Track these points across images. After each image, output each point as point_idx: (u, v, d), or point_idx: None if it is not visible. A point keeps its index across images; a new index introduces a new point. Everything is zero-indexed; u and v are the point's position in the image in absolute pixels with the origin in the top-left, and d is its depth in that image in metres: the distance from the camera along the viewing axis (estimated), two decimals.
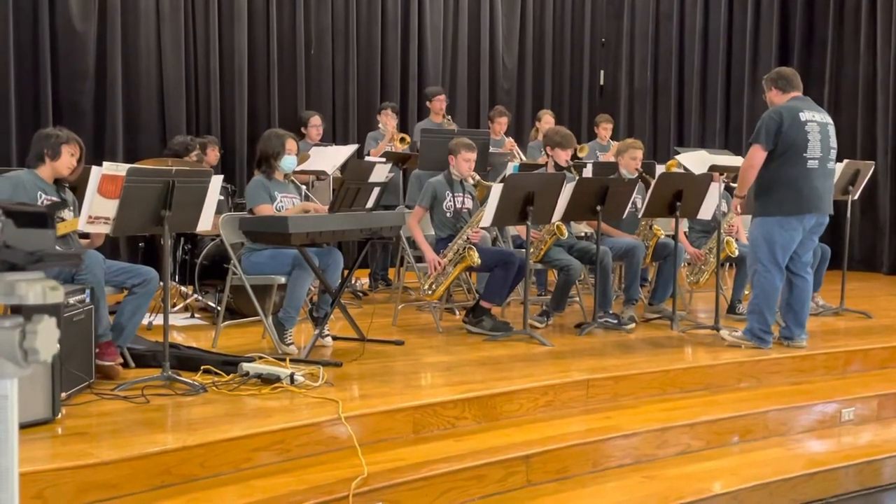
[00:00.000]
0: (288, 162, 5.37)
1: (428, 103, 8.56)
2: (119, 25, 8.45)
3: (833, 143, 5.48)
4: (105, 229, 4.17)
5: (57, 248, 1.55)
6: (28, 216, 1.39)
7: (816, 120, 5.37)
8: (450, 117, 8.63)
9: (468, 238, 5.77)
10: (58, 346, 1.38)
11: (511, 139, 8.44)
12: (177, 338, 5.45)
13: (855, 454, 4.67)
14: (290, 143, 5.41)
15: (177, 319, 6.08)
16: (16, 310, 1.46)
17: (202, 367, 4.51)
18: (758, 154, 5.34)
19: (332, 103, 9.82)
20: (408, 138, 8.16)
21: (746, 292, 6.56)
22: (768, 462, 4.46)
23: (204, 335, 5.59)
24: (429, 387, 4.69)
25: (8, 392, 1.41)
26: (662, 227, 6.48)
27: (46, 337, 1.36)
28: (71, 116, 8.12)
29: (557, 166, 6.22)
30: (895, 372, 5.69)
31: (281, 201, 5.31)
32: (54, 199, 4.47)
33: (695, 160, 6.52)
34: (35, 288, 1.34)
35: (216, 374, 4.46)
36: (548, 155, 6.34)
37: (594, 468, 4.20)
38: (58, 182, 4.53)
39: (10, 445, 1.39)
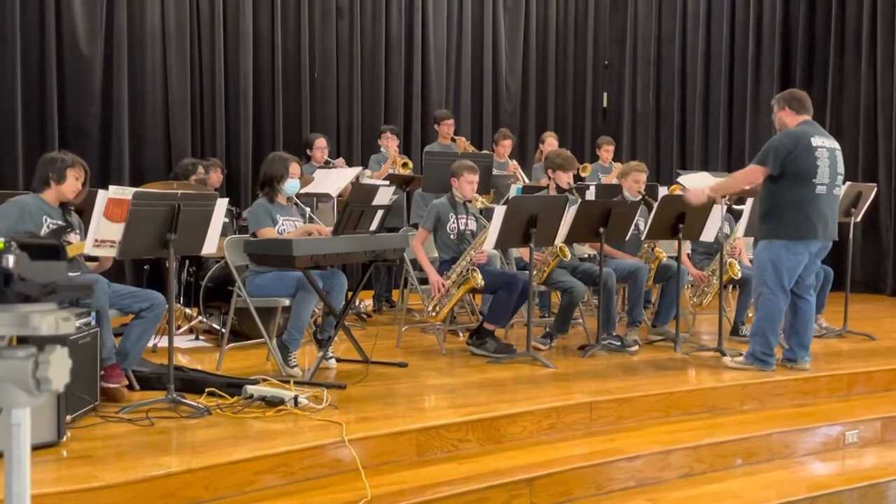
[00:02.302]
0: (291, 186, 5.41)
1: (436, 126, 8.61)
2: (125, 48, 8.53)
3: (840, 168, 5.49)
4: (111, 252, 4.20)
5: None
6: (42, 249, 1.42)
7: (826, 146, 5.39)
8: (463, 138, 8.68)
9: (472, 260, 5.79)
10: (69, 375, 1.40)
11: (515, 162, 8.48)
12: (181, 360, 5.45)
13: (859, 477, 4.66)
14: (294, 167, 5.45)
15: (181, 342, 6.09)
16: (22, 339, 1.49)
17: (206, 390, 4.53)
18: (757, 174, 5.38)
19: (336, 125, 9.88)
20: (410, 163, 8.20)
21: (750, 314, 6.57)
22: (772, 485, 4.45)
23: (208, 357, 5.60)
24: (432, 409, 4.70)
25: (21, 421, 1.43)
26: (665, 250, 6.50)
27: (59, 367, 1.38)
28: (77, 139, 8.18)
29: (559, 188, 6.25)
30: None
31: (283, 224, 5.34)
32: (60, 223, 4.50)
33: (697, 182, 6.53)
34: (48, 319, 1.36)
35: (220, 396, 4.47)
36: (549, 177, 6.38)
37: (598, 491, 4.20)
38: (63, 205, 4.56)
39: (24, 471, 1.41)
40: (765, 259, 5.45)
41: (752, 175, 5.44)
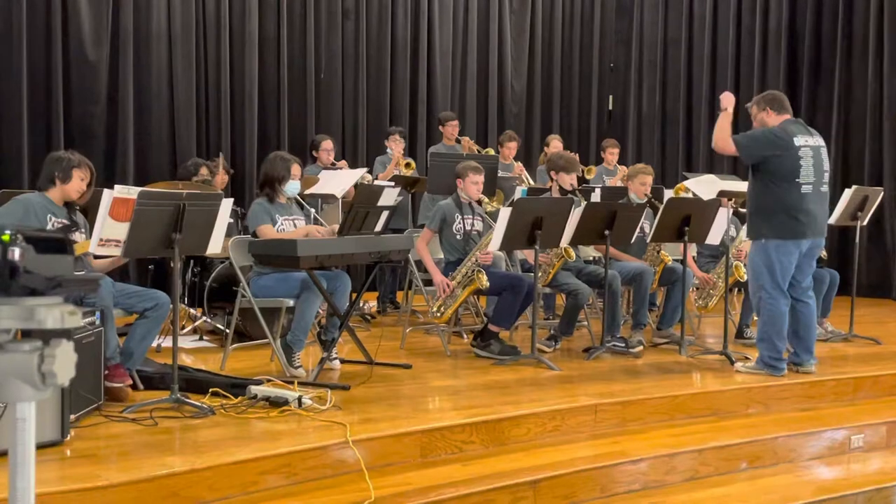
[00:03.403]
0: (292, 187, 5.41)
1: (441, 128, 8.62)
2: (131, 49, 8.54)
3: (826, 166, 5.45)
4: (116, 252, 4.20)
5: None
6: (48, 242, 1.42)
7: (810, 144, 5.36)
8: (467, 138, 8.67)
9: (477, 261, 5.78)
10: (75, 370, 1.40)
11: (520, 164, 8.48)
12: (185, 360, 5.46)
13: (864, 481, 4.64)
14: (296, 168, 5.45)
15: (185, 342, 6.09)
16: (26, 333, 1.48)
17: (210, 390, 4.52)
18: (730, 148, 5.36)
19: (341, 127, 9.88)
20: (413, 164, 8.20)
21: (755, 317, 6.55)
22: (777, 489, 4.44)
23: (212, 358, 5.60)
24: (436, 411, 4.69)
25: (26, 415, 1.42)
26: (670, 253, 6.48)
27: (64, 361, 1.38)
28: (82, 139, 8.19)
29: (562, 190, 6.24)
30: None
31: (282, 224, 5.34)
32: (65, 221, 4.50)
33: (703, 185, 6.53)
34: (54, 312, 1.35)
35: (224, 396, 4.46)
36: (552, 179, 6.37)
37: (602, 494, 4.18)
38: (68, 205, 4.55)
39: (28, 467, 1.41)
40: (758, 263, 5.43)
41: (725, 144, 5.37)
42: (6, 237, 1.36)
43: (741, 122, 10.75)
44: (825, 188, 5.47)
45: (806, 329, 5.57)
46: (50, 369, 1.37)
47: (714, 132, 5.52)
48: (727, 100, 5.59)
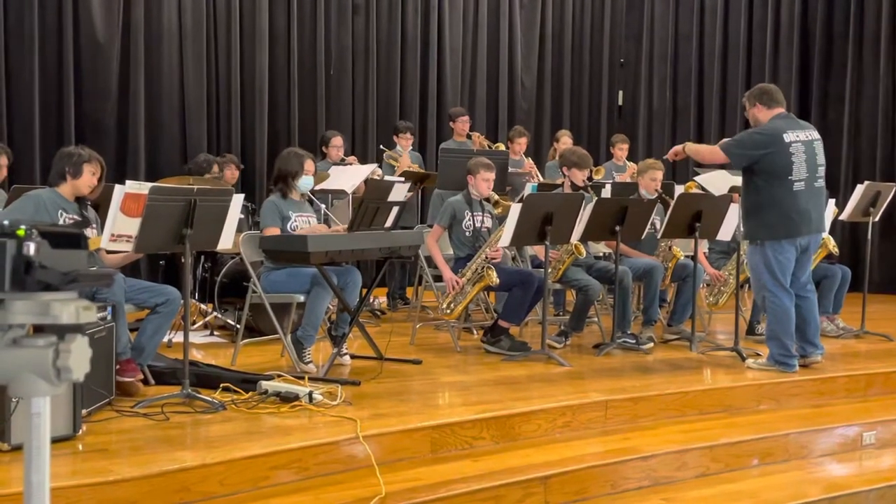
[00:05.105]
0: (305, 182, 5.41)
1: (451, 124, 8.61)
2: (142, 44, 8.56)
3: (821, 160, 5.39)
4: (127, 247, 4.21)
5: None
6: (63, 237, 1.42)
7: (801, 139, 5.29)
8: (478, 133, 8.66)
9: (487, 257, 5.77)
10: (89, 365, 1.40)
11: (530, 160, 8.46)
12: (196, 355, 5.46)
13: (876, 478, 4.63)
14: (309, 164, 5.45)
15: (196, 337, 6.11)
16: (38, 328, 1.49)
17: (221, 385, 4.54)
18: (718, 158, 5.44)
19: (351, 123, 9.88)
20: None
21: (765, 314, 6.53)
22: (788, 485, 4.42)
23: (223, 353, 5.61)
24: (446, 406, 4.69)
25: (41, 409, 1.43)
26: (682, 248, 6.46)
27: (79, 356, 1.38)
28: (93, 135, 8.21)
29: (574, 186, 6.23)
30: None
31: (295, 221, 5.34)
32: (76, 217, 4.51)
33: (714, 181, 6.50)
34: (69, 307, 1.36)
35: (235, 391, 4.48)
36: (564, 175, 6.36)
37: (612, 490, 4.18)
38: (80, 200, 4.56)
39: (44, 461, 1.41)
40: (757, 262, 5.40)
41: (714, 156, 5.46)
42: (21, 232, 1.37)
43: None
44: (819, 183, 5.39)
45: (806, 322, 5.53)
46: (65, 364, 1.37)
47: (701, 158, 5.61)
48: (673, 154, 5.76)
